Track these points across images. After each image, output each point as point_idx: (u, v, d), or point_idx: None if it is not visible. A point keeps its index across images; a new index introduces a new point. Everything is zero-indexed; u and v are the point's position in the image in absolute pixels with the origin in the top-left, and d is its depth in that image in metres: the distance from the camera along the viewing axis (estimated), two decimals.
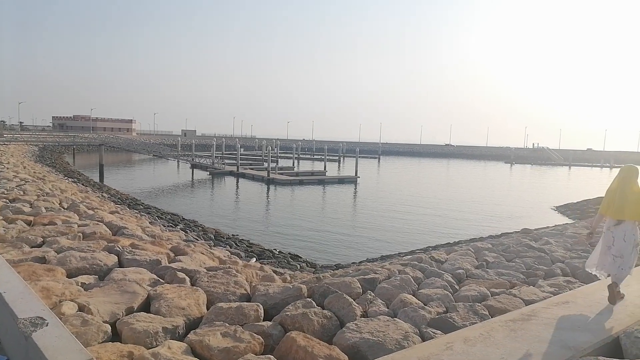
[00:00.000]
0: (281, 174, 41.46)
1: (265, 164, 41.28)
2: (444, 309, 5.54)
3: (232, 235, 17.11)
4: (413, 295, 6.03)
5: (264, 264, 11.15)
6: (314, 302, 5.33)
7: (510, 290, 6.34)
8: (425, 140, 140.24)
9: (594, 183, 46.84)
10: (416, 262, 8.24)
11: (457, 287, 6.71)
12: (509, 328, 4.01)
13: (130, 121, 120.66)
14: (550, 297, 5.49)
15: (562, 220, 22.44)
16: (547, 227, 16.03)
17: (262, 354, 4.05)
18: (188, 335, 4.20)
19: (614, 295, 4.82)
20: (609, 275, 5.14)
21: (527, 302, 5.46)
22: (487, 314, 5.20)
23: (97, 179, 33.49)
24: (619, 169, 5.37)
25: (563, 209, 26.88)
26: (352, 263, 13.18)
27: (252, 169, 45.62)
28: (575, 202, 28.42)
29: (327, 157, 53.38)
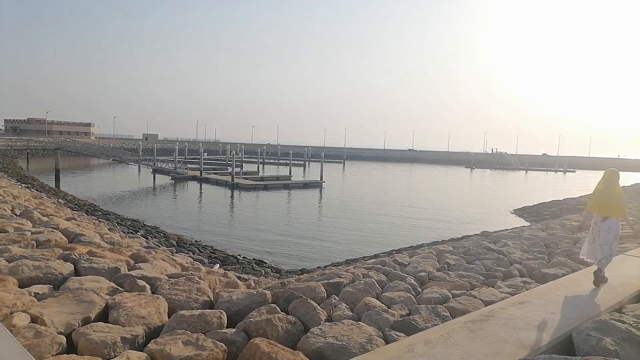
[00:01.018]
0: (245, 178, 41.09)
1: (229, 169, 40.83)
2: (407, 312, 5.63)
3: (195, 241, 16.82)
4: (377, 299, 6.10)
5: (228, 270, 11.01)
6: (278, 308, 5.31)
7: (471, 291, 6.50)
8: (388, 145, 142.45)
9: (549, 187, 48.80)
10: (380, 266, 8.33)
11: (419, 289, 6.83)
12: (468, 329, 4.11)
13: (89, 124, 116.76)
14: (508, 297, 5.66)
15: (520, 222, 23.22)
16: (506, 229, 16.56)
17: None
18: (148, 345, 4.09)
19: (599, 279, 5.63)
20: (599, 261, 5.87)
21: (487, 303, 5.61)
22: (449, 315, 5.32)
23: (52, 185, 32.22)
24: (603, 172, 6.19)
25: (520, 212, 27.85)
26: (317, 267, 13.20)
27: (215, 173, 45.05)
28: (531, 205, 29.52)
29: (293, 162, 53.31)
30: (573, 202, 28.55)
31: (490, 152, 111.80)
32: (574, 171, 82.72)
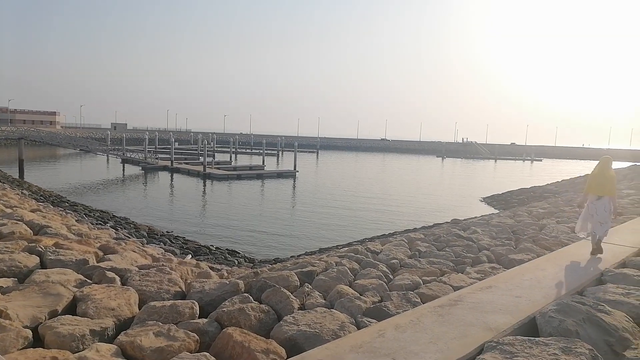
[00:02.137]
0: (218, 168, 40.64)
1: (201, 159, 40.28)
2: (379, 298, 5.72)
3: (167, 232, 16.59)
4: (349, 286, 6.17)
5: (200, 260, 10.92)
6: (251, 297, 5.30)
7: (441, 277, 6.65)
8: (362, 135, 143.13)
9: (517, 175, 50.12)
10: (353, 254, 8.42)
11: (391, 276, 6.94)
12: (437, 313, 4.21)
13: (54, 113, 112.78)
14: (477, 282, 5.82)
15: (489, 210, 23.82)
16: (475, 217, 16.95)
17: (197, 352, 3.97)
18: (118, 337, 4.03)
19: (599, 249, 6.80)
20: (589, 235, 7.12)
21: (456, 289, 5.76)
22: (420, 301, 5.43)
23: (16, 175, 31.07)
24: (599, 160, 7.27)
25: (489, 200, 28.53)
26: (291, 257, 13.23)
27: (187, 163, 44.36)
28: (500, 193, 30.30)
29: (266, 152, 53.02)
30: (539, 190, 29.43)
31: (461, 141, 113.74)
32: (541, 160, 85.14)
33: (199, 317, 4.85)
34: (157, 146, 65.92)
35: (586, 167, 59.52)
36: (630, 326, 4.11)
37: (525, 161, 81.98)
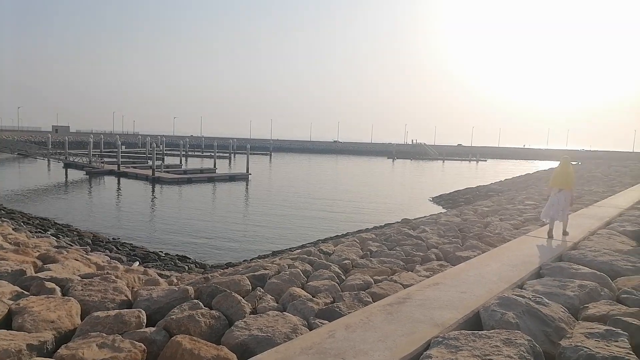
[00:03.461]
0: (167, 172, 39.54)
1: (150, 162, 39.07)
2: (332, 299, 5.76)
3: (113, 238, 15.96)
4: (302, 288, 6.18)
5: (149, 267, 10.59)
6: (201, 303, 5.21)
7: (392, 276, 6.79)
8: (314, 137, 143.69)
9: (464, 175, 51.96)
10: (305, 256, 8.44)
11: (343, 277, 7.01)
12: (386, 312, 4.30)
13: None
14: (425, 280, 5.99)
15: (437, 209, 24.55)
16: (424, 216, 17.43)
17: None
18: (58, 350, 3.85)
19: (565, 232, 8.53)
20: (551, 221, 8.55)
21: (406, 287, 5.89)
22: (371, 300, 5.51)
23: None
24: (560, 159, 8.98)
25: (438, 199, 29.43)
26: (244, 261, 13.07)
27: (135, 167, 42.87)
28: (448, 192, 31.34)
29: (217, 154, 52.09)
30: (484, 189, 30.70)
31: (410, 143, 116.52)
32: (486, 160, 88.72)
33: (147, 326, 4.71)
34: (103, 150, 63.44)
35: (527, 167, 62.65)
36: (565, 316, 4.37)
37: (471, 161, 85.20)
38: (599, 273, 5.75)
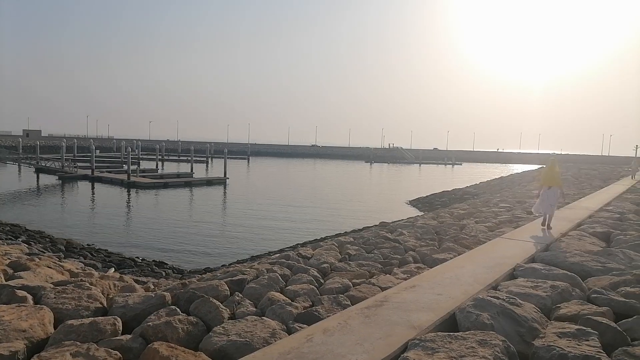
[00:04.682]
0: (143, 176, 38.91)
1: (125, 167, 38.38)
2: (311, 303, 5.77)
3: (87, 245, 15.62)
4: (281, 293, 6.17)
5: (125, 274, 10.41)
6: (179, 309, 5.15)
7: (370, 279, 6.84)
8: (292, 141, 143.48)
9: (440, 179, 52.69)
10: (284, 260, 8.43)
11: (322, 280, 7.03)
12: (363, 315, 4.34)
13: None
14: (402, 282, 6.05)
15: (414, 212, 24.81)
16: (402, 219, 17.58)
17: None
18: None
19: (548, 225, 9.77)
20: (541, 215, 10.08)
21: (384, 289, 5.94)
22: (349, 303, 5.54)
23: None
24: (548, 159, 10.50)
25: (415, 203, 29.76)
26: (222, 266, 12.96)
27: (109, 172, 42.07)
28: (424, 196, 31.73)
29: (194, 158, 51.53)
30: (460, 192, 31.19)
31: (387, 147, 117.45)
32: (461, 164, 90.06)
33: (123, 334, 4.63)
34: (76, 154, 62.00)
35: (501, 170, 63.87)
36: (538, 317, 4.48)
37: (447, 165, 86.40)
38: (570, 274, 5.92)
